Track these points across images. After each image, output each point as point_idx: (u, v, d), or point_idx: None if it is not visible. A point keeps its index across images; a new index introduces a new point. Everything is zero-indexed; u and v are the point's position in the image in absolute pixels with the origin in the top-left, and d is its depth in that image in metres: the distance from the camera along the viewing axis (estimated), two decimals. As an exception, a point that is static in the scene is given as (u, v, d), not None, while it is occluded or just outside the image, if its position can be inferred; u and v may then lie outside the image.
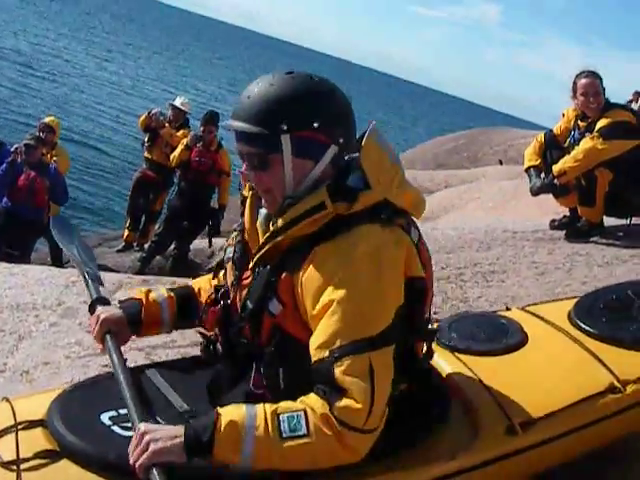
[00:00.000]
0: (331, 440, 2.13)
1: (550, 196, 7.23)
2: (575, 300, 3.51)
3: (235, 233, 2.63)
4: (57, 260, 10.88)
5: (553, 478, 2.90)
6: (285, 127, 2.29)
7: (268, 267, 2.35)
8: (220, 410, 2.16)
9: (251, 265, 2.44)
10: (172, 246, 11.74)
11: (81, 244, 3.22)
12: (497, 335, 3.17)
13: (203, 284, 2.85)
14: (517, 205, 11.18)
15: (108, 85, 39.40)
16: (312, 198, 2.30)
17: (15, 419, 2.44)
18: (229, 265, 2.59)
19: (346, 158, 2.43)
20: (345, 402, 2.14)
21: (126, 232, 12.97)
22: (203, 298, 2.79)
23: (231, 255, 2.59)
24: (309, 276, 2.26)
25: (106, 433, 2.36)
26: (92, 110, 30.92)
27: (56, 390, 2.65)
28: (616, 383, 2.89)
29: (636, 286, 3.54)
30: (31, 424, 2.43)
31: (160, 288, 2.87)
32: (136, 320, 2.74)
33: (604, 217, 7.12)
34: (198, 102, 34.56)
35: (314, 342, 2.22)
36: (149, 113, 12.31)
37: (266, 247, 2.35)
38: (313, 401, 2.16)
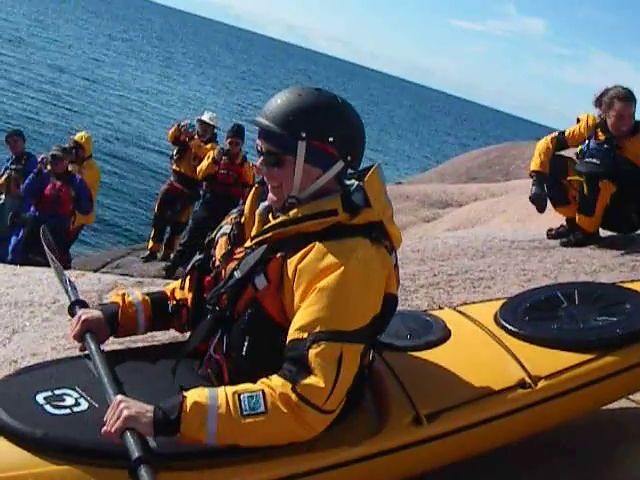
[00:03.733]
0: (288, 417, 2.37)
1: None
2: (504, 300, 3.61)
3: (234, 215, 2.97)
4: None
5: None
6: (304, 134, 2.60)
7: (264, 246, 2.63)
8: (185, 393, 2.41)
9: (249, 243, 2.72)
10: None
11: (55, 254, 3.43)
12: (420, 332, 3.30)
13: (176, 286, 3.09)
14: (543, 218, 11.28)
15: (140, 97, 39.86)
16: (327, 203, 2.61)
17: None
18: (223, 239, 2.91)
19: (350, 182, 2.75)
20: (310, 380, 2.39)
21: (150, 243, 13.26)
22: (177, 296, 3.03)
23: (228, 231, 2.91)
24: (305, 265, 2.53)
25: (38, 412, 2.54)
26: (123, 122, 31.35)
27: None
28: (527, 379, 2.98)
29: (567, 288, 3.62)
30: None
31: (136, 292, 3.08)
32: (113, 321, 2.96)
33: (600, 229, 7.26)
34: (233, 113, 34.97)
35: (296, 323, 2.48)
36: (178, 125, 12.55)
37: (272, 232, 2.65)
38: (274, 381, 2.42)
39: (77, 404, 2.61)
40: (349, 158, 2.68)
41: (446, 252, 7.18)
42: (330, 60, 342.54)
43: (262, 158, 2.69)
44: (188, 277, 2.95)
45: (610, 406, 3.50)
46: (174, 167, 12.87)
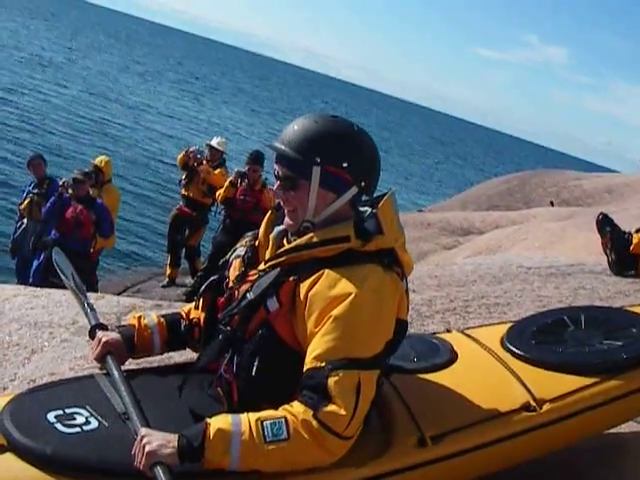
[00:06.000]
0: (310, 443, 2.43)
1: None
2: (511, 324, 3.65)
3: (249, 238, 3.01)
4: None
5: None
6: (318, 160, 2.67)
7: (277, 270, 2.70)
8: (208, 420, 2.48)
9: (262, 266, 2.79)
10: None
11: (76, 276, 3.49)
12: (427, 355, 3.34)
13: (192, 307, 3.16)
14: (563, 246, 11.32)
15: (161, 121, 40.30)
16: (340, 229, 2.67)
17: None
18: (237, 261, 2.94)
19: (364, 209, 2.81)
20: (331, 408, 2.45)
21: (168, 269, 13.40)
22: (191, 316, 3.12)
23: (242, 253, 2.95)
24: (317, 292, 2.59)
25: (49, 430, 2.61)
26: (145, 146, 31.53)
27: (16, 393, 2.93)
28: (532, 402, 3.02)
29: (573, 312, 3.66)
30: None
31: (152, 314, 3.16)
32: (131, 344, 3.05)
33: None
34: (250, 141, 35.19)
35: (313, 352, 2.54)
36: (187, 151, 12.70)
37: (286, 256, 2.71)
38: (296, 408, 2.48)
39: (87, 423, 2.67)
40: (363, 184, 2.74)
41: (463, 278, 7.22)
42: (352, 87, 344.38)
43: (278, 182, 2.77)
44: (202, 297, 3.01)
45: (618, 429, 3.53)
46: (183, 192, 12.99)
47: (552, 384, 3.13)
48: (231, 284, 2.89)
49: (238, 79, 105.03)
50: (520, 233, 13.46)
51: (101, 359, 2.97)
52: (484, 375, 3.25)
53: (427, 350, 3.39)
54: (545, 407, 3.03)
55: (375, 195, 2.84)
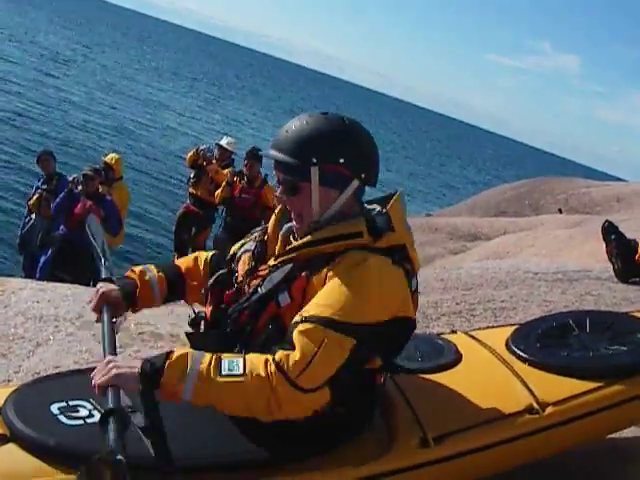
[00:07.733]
0: (261, 382, 2.44)
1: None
2: (516, 326, 3.66)
3: (258, 232, 3.03)
4: None
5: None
6: (314, 160, 2.70)
7: (290, 265, 2.72)
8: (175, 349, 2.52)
9: (272, 262, 2.81)
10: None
11: (106, 244, 3.46)
12: (431, 355, 3.36)
13: (188, 264, 3.22)
14: (570, 253, 11.29)
15: (170, 118, 40.54)
16: (352, 225, 2.70)
17: None
18: (247, 256, 2.96)
19: (372, 207, 2.84)
20: (288, 351, 2.48)
21: None
22: (190, 277, 3.17)
23: (251, 248, 2.97)
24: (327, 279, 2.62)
25: (52, 421, 2.63)
26: (153, 144, 31.61)
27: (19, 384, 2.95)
28: (535, 404, 3.02)
29: (578, 316, 3.66)
30: None
31: (152, 268, 3.17)
32: (131, 297, 3.08)
33: None
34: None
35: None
36: (197, 150, 12.65)
37: (297, 252, 2.74)
38: (257, 354, 2.52)
39: (90, 415, 2.69)
40: (363, 176, 2.76)
41: (469, 282, 7.22)
42: (365, 91, 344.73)
43: (281, 187, 2.80)
44: (210, 292, 3.00)
45: (620, 434, 3.52)
46: (191, 190, 12.96)
47: (556, 387, 3.13)
48: (240, 279, 2.91)
49: (250, 79, 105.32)
50: (528, 239, 13.42)
51: (98, 309, 3.00)
52: (488, 377, 3.25)
53: (432, 350, 3.40)
54: (548, 410, 3.03)
55: (383, 195, 2.88)
